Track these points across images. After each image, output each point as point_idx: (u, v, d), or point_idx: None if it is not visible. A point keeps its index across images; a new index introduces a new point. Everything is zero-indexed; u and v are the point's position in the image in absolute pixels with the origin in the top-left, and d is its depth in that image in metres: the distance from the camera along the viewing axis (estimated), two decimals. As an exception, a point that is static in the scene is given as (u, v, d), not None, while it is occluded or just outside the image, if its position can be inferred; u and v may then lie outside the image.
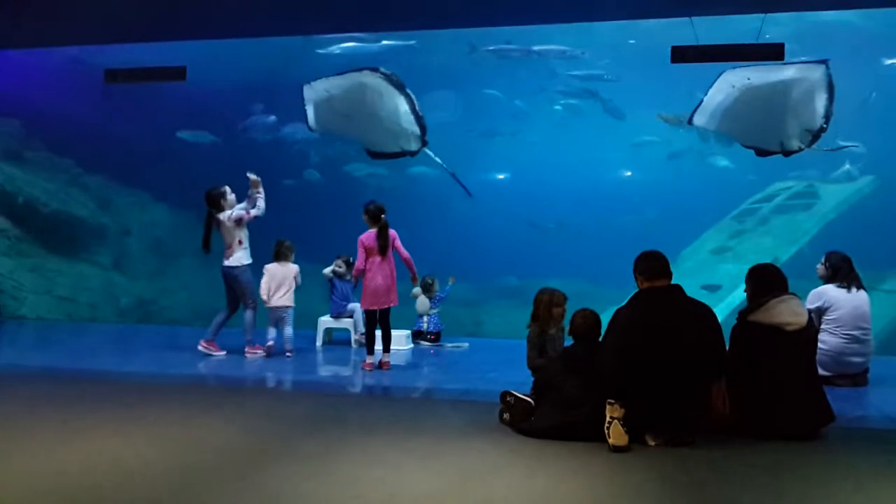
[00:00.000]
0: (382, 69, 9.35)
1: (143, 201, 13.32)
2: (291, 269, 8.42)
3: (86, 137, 12.93)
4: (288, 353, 8.29)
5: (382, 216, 7.49)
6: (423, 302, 9.41)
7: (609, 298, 8.13)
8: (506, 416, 5.26)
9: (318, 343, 9.27)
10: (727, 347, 5.14)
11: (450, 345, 9.33)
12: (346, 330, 9.27)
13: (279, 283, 8.34)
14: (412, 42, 12.37)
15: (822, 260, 7.29)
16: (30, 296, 12.22)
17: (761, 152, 9.42)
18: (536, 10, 8.59)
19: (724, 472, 4.29)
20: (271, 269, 8.38)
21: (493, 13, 8.72)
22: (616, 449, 4.58)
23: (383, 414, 5.71)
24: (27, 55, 12.49)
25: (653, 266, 5.10)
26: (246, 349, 8.23)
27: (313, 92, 9.43)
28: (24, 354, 9.34)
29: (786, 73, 8.79)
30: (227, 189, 8.14)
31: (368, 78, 9.20)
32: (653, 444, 4.75)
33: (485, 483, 4.06)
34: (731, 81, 9.03)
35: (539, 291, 6.04)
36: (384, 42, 12.16)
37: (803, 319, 5.20)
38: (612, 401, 4.65)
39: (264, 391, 6.83)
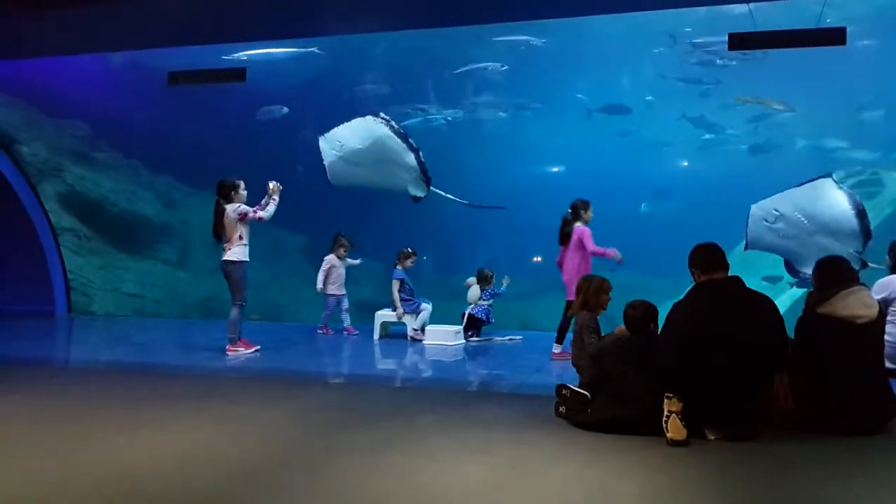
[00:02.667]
0: (383, 114, 9.55)
1: (205, 199, 13.66)
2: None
3: (151, 138, 13.30)
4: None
5: (569, 210, 8.20)
6: (474, 291, 9.56)
7: (664, 291, 8.06)
8: (561, 409, 5.26)
9: (376, 336, 9.42)
10: (791, 339, 5.06)
11: (499, 338, 9.36)
12: (403, 324, 9.40)
13: None
14: (313, 49, 12.35)
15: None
16: (99, 292, 12.65)
17: None
18: (584, 2, 8.51)
19: (787, 467, 4.22)
20: None
21: (543, 5, 8.67)
22: (674, 443, 4.54)
23: (439, 406, 5.76)
24: (93, 60, 12.92)
25: (709, 258, 5.04)
26: (227, 347, 8.18)
27: (327, 144, 9.71)
28: (94, 349, 9.71)
29: (805, 197, 8.50)
30: (242, 184, 8.17)
31: (373, 125, 9.49)
32: (712, 438, 4.70)
33: (540, 476, 4.07)
34: (762, 217, 8.90)
35: (581, 278, 6.04)
36: (287, 49, 12.16)
37: (874, 312, 5.05)
38: (671, 395, 4.63)
39: (323, 384, 6.97)
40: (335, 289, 9.96)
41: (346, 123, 9.61)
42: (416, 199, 9.91)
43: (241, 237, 8.02)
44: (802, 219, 8.47)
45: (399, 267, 9.56)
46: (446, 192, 9.97)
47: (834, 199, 8.48)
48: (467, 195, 12.51)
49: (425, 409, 5.68)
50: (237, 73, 9.04)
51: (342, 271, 10.01)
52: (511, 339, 9.36)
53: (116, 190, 13.26)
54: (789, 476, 4.09)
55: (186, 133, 13.49)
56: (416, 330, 9.33)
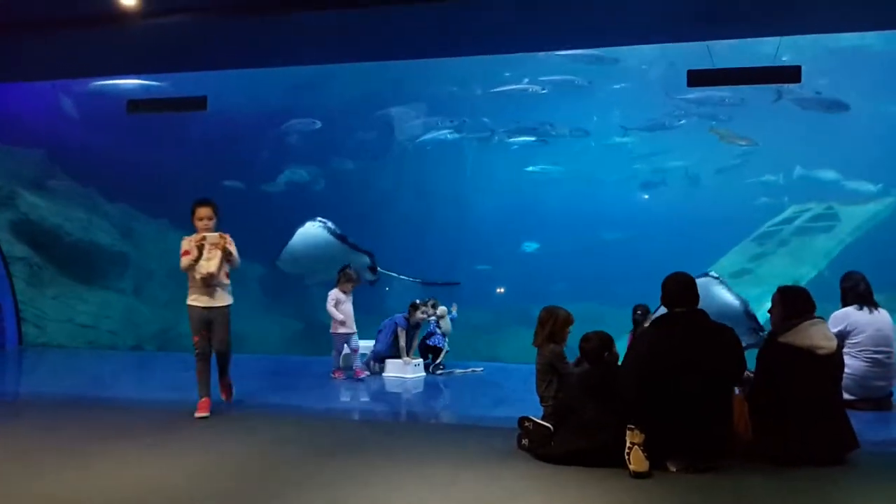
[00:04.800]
0: (320, 218, 10.44)
1: (163, 228, 13.47)
2: None
3: (108, 166, 13.14)
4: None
5: None
6: (447, 321, 9.46)
7: (624, 322, 8.09)
8: (524, 441, 5.22)
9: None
10: (752, 369, 5.11)
11: (460, 370, 9.29)
12: (364, 354, 9.26)
13: None
14: (163, 84, 12.50)
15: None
16: (51, 324, 12.33)
17: None
18: (547, 37, 8.61)
19: (747, 499, 4.23)
20: None
21: (505, 41, 8.77)
22: (637, 475, 4.53)
23: (401, 440, 5.69)
24: (49, 86, 12.76)
25: (676, 290, 5.07)
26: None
27: (283, 263, 10.73)
28: (45, 382, 9.42)
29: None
30: (196, 209, 6.70)
31: (314, 231, 10.39)
32: (674, 470, 4.69)
33: (503, 510, 4.02)
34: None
35: (545, 311, 5.90)
36: (138, 81, 12.41)
37: (834, 344, 5.15)
38: (633, 426, 4.61)
39: (284, 418, 6.81)
40: (343, 327, 8.90)
41: (295, 234, 10.50)
42: (371, 282, 10.58)
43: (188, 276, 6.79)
44: None
45: (411, 317, 9.08)
46: (399, 274, 10.85)
47: (717, 293, 8.89)
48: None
49: (387, 442, 5.60)
50: (198, 101, 8.93)
51: (349, 307, 8.97)
52: (473, 371, 9.29)
53: (71, 218, 13.01)
54: (751, 508, 4.10)
55: (144, 161, 13.35)
56: (358, 367, 8.99)
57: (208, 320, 6.71)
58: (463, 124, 14.84)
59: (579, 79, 13.95)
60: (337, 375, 8.83)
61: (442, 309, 9.47)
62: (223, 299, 6.76)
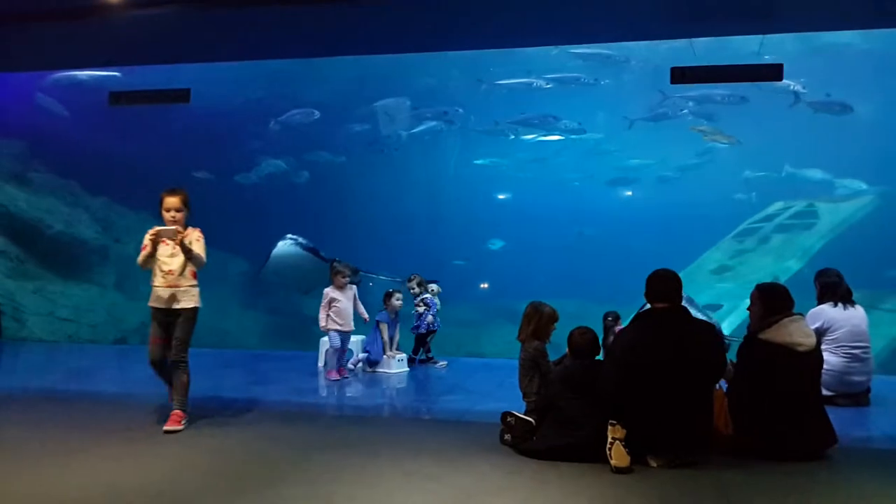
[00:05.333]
0: (290, 235, 11.14)
1: (144, 221, 13.39)
2: None
3: (89, 159, 13.04)
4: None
5: None
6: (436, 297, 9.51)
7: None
8: (507, 436, 5.24)
9: (320, 364, 9.22)
10: (732, 365, 5.16)
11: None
12: (350, 351, 9.24)
13: None
14: (116, 74, 12.67)
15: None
16: (31, 317, 12.22)
17: None
18: (532, 33, 8.61)
19: (727, 494, 4.27)
20: None
21: (490, 37, 8.78)
22: (618, 470, 4.56)
23: (385, 435, 5.69)
24: (32, 77, 12.64)
25: (658, 287, 5.10)
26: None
27: (268, 274, 11.53)
28: (22, 377, 9.33)
29: None
30: (163, 198, 6.00)
31: (285, 247, 11.15)
32: (655, 465, 4.73)
33: (486, 505, 4.04)
34: None
35: (531, 307, 5.80)
36: (91, 72, 12.88)
37: (813, 341, 5.20)
38: (614, 421, 4.65)
39: (266, 413, 6.80)
40: (339, 325, 8.46)
41: (271, 254, 11.20)
42: (354, 283, 10.56)
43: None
44: None
45: (387, 307, 8.98)
46: (379, 274, 11.11)
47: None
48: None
49: (370, 438, 5.59)
50: (181, 94, 8.85)
51: (345, 304, 8.49)
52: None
53: (52, 211, 12.91)
54: (730, 502, 4.13)
55: (125, 153, 13.27)
56: (341, 366, 8.83)
57: (168, 325, 5.95)
58: (456, 115, 14.85)
59: (585, 76, 14.00)
60: (330, 376, 8.48)
61: (433, 286, 9.39)
62: (187, 301, 5.95)
